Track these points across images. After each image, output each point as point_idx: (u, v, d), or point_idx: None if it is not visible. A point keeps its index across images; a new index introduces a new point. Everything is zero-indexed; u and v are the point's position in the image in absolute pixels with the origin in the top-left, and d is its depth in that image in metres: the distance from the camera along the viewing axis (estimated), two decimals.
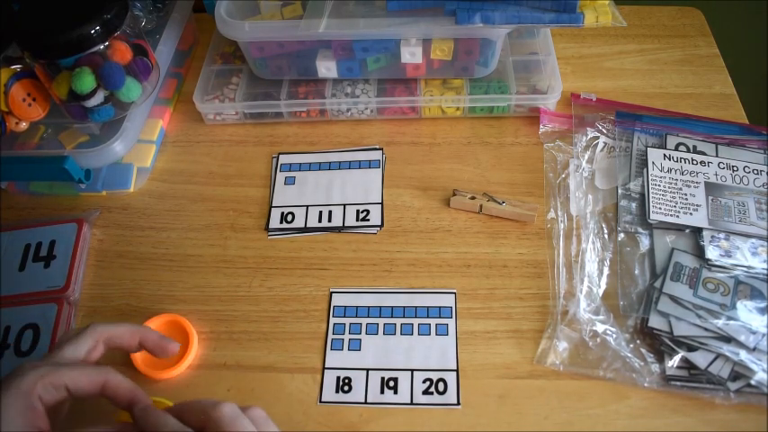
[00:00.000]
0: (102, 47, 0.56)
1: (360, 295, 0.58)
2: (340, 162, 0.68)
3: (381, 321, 0.56)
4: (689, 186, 0.60)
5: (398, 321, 0.56)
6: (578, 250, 0.58)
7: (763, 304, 0.52)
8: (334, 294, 0.58)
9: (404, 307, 0.57)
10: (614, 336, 0.53)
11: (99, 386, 0.40)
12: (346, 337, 0.55)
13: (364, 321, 0.56)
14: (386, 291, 0.58)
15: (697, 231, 0.58)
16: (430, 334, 0.55)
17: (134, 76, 0.60)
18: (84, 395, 0.40)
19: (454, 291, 0.57)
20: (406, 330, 0.55)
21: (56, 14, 0.56)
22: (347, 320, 0.56)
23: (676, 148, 0.64)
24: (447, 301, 0.57)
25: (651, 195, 0.60)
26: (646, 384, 0.50)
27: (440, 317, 0.56)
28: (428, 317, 0.56)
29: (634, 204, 0.61)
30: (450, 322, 0.55)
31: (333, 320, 0.56)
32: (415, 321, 0.56)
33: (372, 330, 0.55)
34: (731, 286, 0.54)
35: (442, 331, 0.55)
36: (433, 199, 0.64)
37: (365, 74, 0.69)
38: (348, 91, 0.70)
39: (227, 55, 0.76)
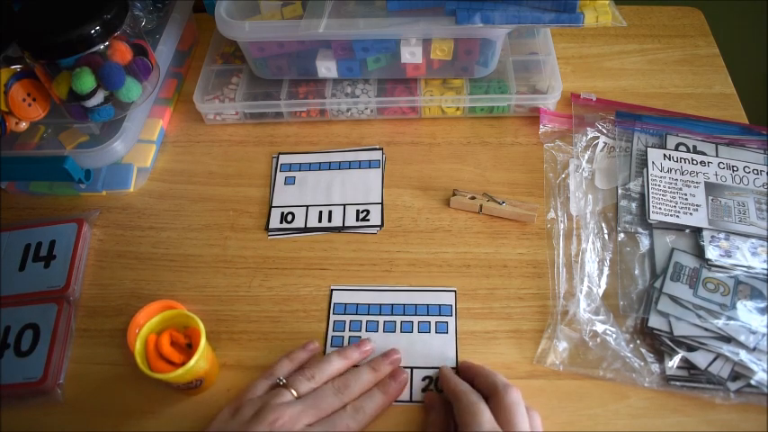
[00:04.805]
0: (102, 47, 0.56)
1: (360, 292, 0.58)
2: (340, 162, 0.68)
3: (381, 319, 0.56)
4: (689, 186, 0.60)
5: (398, 319, 0.56)
6: (578, 250, 0.58)
7: (763, 304, 0.52)
8: (334, 291, 0.58)
9: (404, 305, 0.57)
10: (614, 336, 0.53)
11: None
12: (346, 334, 0.55)
13: (364, 319, 0.56)
14: (386, 288, 0.58)
15: (697, 231, 0.58)
16: (430, 332, 0.55)
17: (134, 76, 0.60)
18: None
19: (454, 289, 0.57)
20: (407, 328, 0.55)
21: (56, 14, 0.56)
22: (347, 318, 0.56)
23: (676, 148, 0.64)
24: (447, 299, 0.57)
25: (651, 195, 0.60)
26: (646, 384, 0.50)
27: (440, 315, 0.56)
28: (428, 314, 0.56)
29: (634, 204, 0.61)
30: (450, 320, 0.55)
31: (333, 318, 0.56)
32: (415, 319, 0.56)
33: (372, 328, 0.55)
34: (731, 286, 0.54)
35: (442, 329, 0.55)
36: (433, 199, 0.64)
37: (365, 74, 0.69)
38: (348, 91, 0.70)
39: (227, 55, 0.76)
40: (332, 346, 0.55)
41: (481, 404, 0.45)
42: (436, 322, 0.55)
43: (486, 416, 0.44)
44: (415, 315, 0.56)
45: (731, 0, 0.89)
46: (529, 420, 0.45)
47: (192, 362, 0.48)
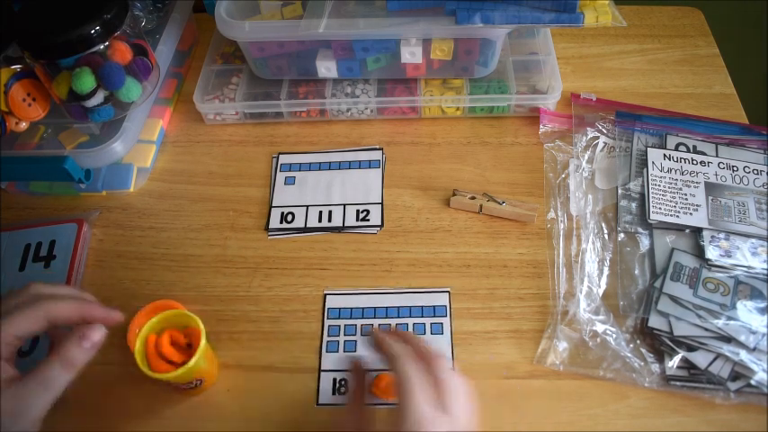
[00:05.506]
0: (102, 47, 0.56)
1: (354, 296, 0.58)
2: (340, 162, 0.68)
3: (376, 322, 0.56)
4: (689, 186, 0.60)
5: (393, 321, 0.56)
6: (578, 250, 0.58)
7: (763, 304, 0.52)
8: (328, 296, 0.58)
9: (398, 307, 0.57)
10: (614, 336, 0.53)
11: (46, 324, 0.42)
12: (341, 338, 0.55)
13: (359, 322, 0.56)
14: (380, 291, 0.58)
15: (697, 231, 0.58)
16: (425, 333, 0.55)
17: (134, 76, 0.60)
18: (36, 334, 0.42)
19: (448, 289, 0.57)
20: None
21: (56, 14, 0.56)
22: (342, 322, 0.56)
23: (676, 148, 0.64)
24: (441, 299, 0.57)
25: (651, 195, 0.60)
26: (646, 384, 0.50)
27: (434, 316, 0.56)
28: (422, 316, 0.56)
29: (634, 204, 0.61)
30: (445, 321, 0.55)
31: (327, 322, 0.56)
32: (410, 321, 0.56)
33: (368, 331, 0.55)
34: (731, 286, 0.54)
35: (437, 330, 0.55)
36: (433, 199, 0.64)
37: (365, 74, 0.69)
38: (348, 91, 0.70)
39: (227, 55, 0.76)
40: (327, 351, 0.54)
41: (419, 375, 0.40)
42: (431, 323, 0.55)
43: (425, 393, 0.39)
44: (410, 317, 0.56)
45: (731, 0, 0.89)
46: (461, 386, 0.42)
47: (191, 362, 0.48)
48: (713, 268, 0.55)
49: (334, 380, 0.53)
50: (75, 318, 0.43)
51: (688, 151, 0.63)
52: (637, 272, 0.56)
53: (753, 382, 0.49)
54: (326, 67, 0.68)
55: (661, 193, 0.60)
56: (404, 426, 0.37)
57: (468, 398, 0.41)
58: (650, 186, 0.61)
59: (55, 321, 0.42)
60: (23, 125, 0.61)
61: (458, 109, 0.70)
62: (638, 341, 0.53)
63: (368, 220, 0.63)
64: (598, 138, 0.66)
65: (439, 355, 0.43)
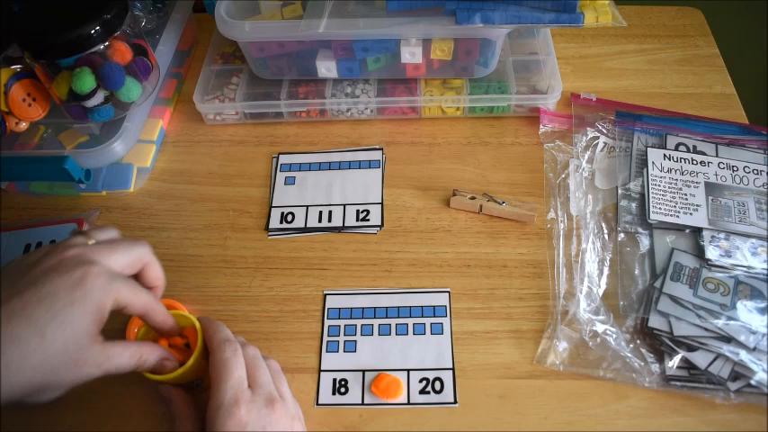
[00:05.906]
0: (102, 47, 0.56)
1: (354, 296, 0.58)
2: (340, 162, 0.68)
3: (376, 322, 0.56)
4: (689, 186, 0.60)
5: (393, 322, 0.56)
6: (578, 250, 0.58)
7: (763, 304, 0.52)
8: (328, 296, 0.58)
9: (398, 307, 0.57)
10: (614, 336, 0.53)
11: (145, 312, 0.44)
12: (341, 338, 0.55)
13: (359, 323, 0.56)
14: (380, 291, 0.58)
15: (697, 231, 0.58)
16: (425, 333, 0.55)
17: (134, 76, 0.60)
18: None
19: (448, 289, 0.57)
20: (401, 330, 0.55)
21: (56, 14, 0.56)
22: (342, 322, 0.56)
23: (676, 148, 0.64)
24: (441, 300, 0.57)
25: (651, 195, 0.60)
26: (646, 384, 0.50)
27: (434, 316, 0.56)
28: (422, 316, 0.56)
29: (634, 204, 0.61)
30: (445, 321, 0.55)
31: (327, 322, 0.56)
32: (410, 321, 0.56)
33: (367, 331, 0.55)
34: (731, 286, 0.54)
35: (437, 330, 0.55)
36: (433, 199, 0.64)
37: (365, 74, 0.69)
38: (348, 91, 0.70)
39: (227, 55, 0.76)
40: (327, 351, 0.54)
41: (237, 356, 0.46)
42: (431, 324, 0.55)
43: (241, 371, 0.45)
44: (410, 317, 0.56)
45: (731, 0, 0.89)
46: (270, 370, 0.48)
47: (190, 362, 0.47)
48: (713, 268, 0.55)
49: (334, 380, 0.53)
50: (159, 329, 0.47)
51: (688, 151, 0.63)
52: (637, 272, 0.56)
53: (753, 382, 0.49)
54: (326, 67, 0.68)
55: (661, 193, 0.60)
56: (220, 398, 0.43)
57: (277, 373, 0.49)
58: (650, 186, 0.61)
59: (145, 319, 0.45)
60: (23, 125, 0.61)
61: (458, 109, 0.70)
62: (638, 341, 0.53)
63: (368, 220, 0.63)
64: (598, 138, 0.66)
65: (252, 345, 0.49)
